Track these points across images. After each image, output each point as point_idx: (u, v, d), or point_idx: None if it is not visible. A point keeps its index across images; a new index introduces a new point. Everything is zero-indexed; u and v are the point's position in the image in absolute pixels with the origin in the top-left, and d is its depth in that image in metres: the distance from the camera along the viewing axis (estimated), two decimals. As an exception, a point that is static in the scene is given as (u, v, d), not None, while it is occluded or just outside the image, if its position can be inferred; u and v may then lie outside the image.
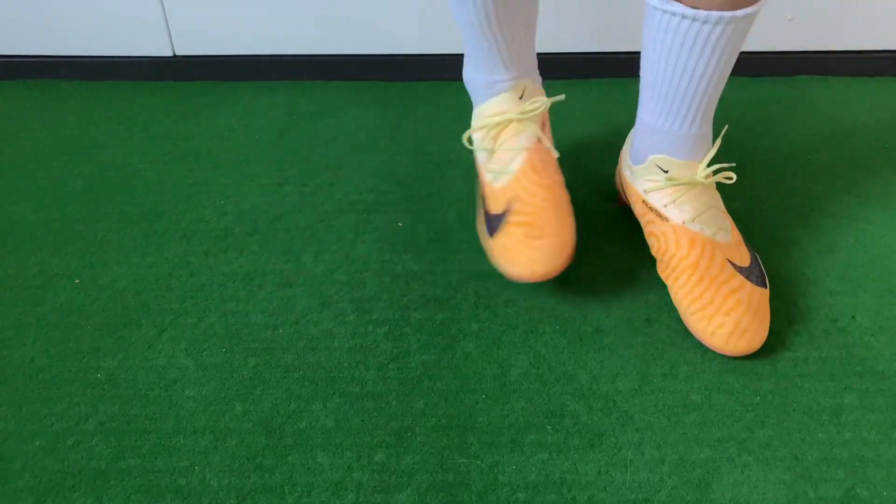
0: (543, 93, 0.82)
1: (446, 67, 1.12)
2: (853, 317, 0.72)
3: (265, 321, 0.72)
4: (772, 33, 1.09)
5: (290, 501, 0.57)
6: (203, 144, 0.98)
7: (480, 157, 0.79)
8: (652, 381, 0.66)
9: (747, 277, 0.70)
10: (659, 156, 0.72)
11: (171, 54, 1.11)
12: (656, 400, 0.64)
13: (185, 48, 1.11)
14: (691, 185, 0.72)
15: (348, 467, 0.59)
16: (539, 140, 0.77)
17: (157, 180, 0.91)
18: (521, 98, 0.78)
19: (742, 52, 1.11)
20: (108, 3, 1.06)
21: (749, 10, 0.61)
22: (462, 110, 1.05)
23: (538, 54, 0.82)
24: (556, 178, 0.76)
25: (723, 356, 0.68)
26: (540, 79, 0.83)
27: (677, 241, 0.71)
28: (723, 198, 0.88)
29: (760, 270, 0.73)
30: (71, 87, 1.11)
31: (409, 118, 1.04)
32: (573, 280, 0.76)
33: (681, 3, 0.61)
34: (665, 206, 0.72)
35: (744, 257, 0.72)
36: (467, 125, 1.03)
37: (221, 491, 0.58)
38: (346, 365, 0.68)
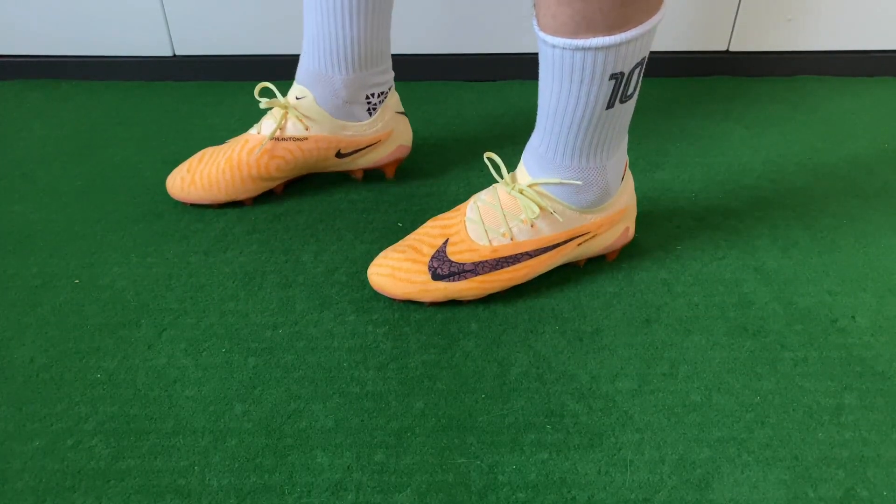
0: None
1: (446, 67, 1.12)
2: (853, 317, 0.72)
3: (265, 321, 0.72)
4: (772, 33, 1.09)
5: (290, 501, 0.57)
6: (203, 144, 0.98)
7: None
8: (652, 381, 0.66)
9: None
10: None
11: (171, 54, 1.11)
12: (656, 400, 0.64)
13: (185, 48, 1.11)
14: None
15: (348, 467, 0.59)
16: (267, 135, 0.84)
17: (157, 180, 0.91)
18: (298, 98, 0.84)
19: (743, 52, 1.11)
20: (108, 3, 1.06)
21: (593, 41, 0.58)
22: (462, 110, 1.05)
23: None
24: (245, 170, 0.85)
25: (723, 355, 0.68)
26: (369, 106, 0.85)
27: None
28: (723, 198, 0.88)
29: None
30: (71, 87, 1.11)
31: (410, 118, 1.04)
32: (573, 280, 0.76)
33: (538, 26, 0.61)
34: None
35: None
36: (467, 125, 1.03)
37: (221, 491, 0.58)
38: (346, 365, 0.68)
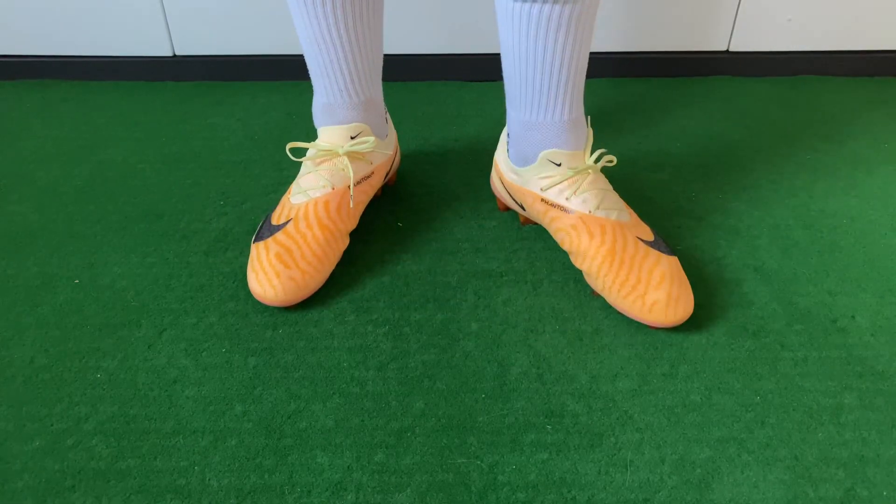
0: (380, 137, 0.82)
1: (446, 67, 1.12)
2: (853, 317, 0.72)
3: (265, 321, 0.72)
4: (772, 33, 1.09)
5: (290, 501, 0.57)
6: (203, 144, 0.98)
7: (301, 169, 0.79)
8: (652, 381, 0.66)
9: (659, 250, 0.72)
10: (549, 150, 0.73)
11: (171, 54, 1.11)
12: (656, 400, 0.64)
13: (185, 48, 1.11)
14: (585, 172, 0.73)
15: (348, 467, 0.59)
16: (348, 187, 0.77)
17: (157, 180, 0.91)
18: (353, 137, 0.77)
19: (742, 52, 1.11)
20: (108, 3, 1.06)
21: None
22: (462, 110, 1.05)
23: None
24: (340, 226, 0.75)
25: (723, 355, 0.68)
26: (385, 119, 0.82)
27: (590, 231, 0.71)
28: (723, 198, 0.88)
29: (663, 240, 0.74)
30: (71, 87, 1.11)
31: (409, 118, 1.04)
32: (573, 280, 0.76)
33: None
34: (567, 198, 0.73)
35: (646, 232, 0.73)
36: (467, 125, 1.03)
37: (221, 491, 0.58)
38: (346, 365, 0.68)
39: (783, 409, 0.63)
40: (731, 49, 1.11)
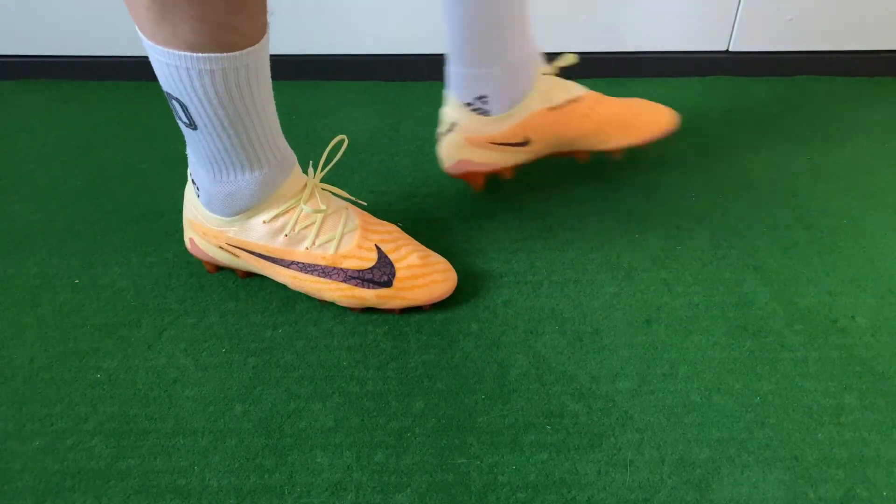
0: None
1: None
2: (853, 317, 0.72)
3: (265, 321, 0.72)
4: (772, 33, 1.09)
5: (290, 501, 0.57)
6: (203, 144, 0.97)
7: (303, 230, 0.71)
8: (652, 381, 0.66)
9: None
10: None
11: (171, 54, 1.11)
12: (656, 400, 0.64)
13: (185, 48, 1.11)
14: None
15: (348, 467, 0.59)
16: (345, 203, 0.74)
17: (157, 180, 0.91)
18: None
19: (743, 52, 1.11)
20: (109, 3, 1.06)
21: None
22: (462, 110, 1.05)
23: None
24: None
25: (723, 355, 0.68)
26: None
27: None
28: (722, 198, 0.88)
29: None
30: (71, 87, 1.11)
31: (409, 118, 1.04)
32: (573, 281, 0.76)
33: None
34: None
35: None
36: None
37: (221, 491, 0.58)
38: (346, 364, 0.68)
39: (783, 409, 0.63)
40: (731, 49, 1.11)
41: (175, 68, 0.57)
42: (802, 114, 1.04)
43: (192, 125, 0.62)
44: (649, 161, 0.94)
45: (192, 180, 0.71)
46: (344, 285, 0.70)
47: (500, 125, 0.80)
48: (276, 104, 1.11)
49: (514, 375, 0.66)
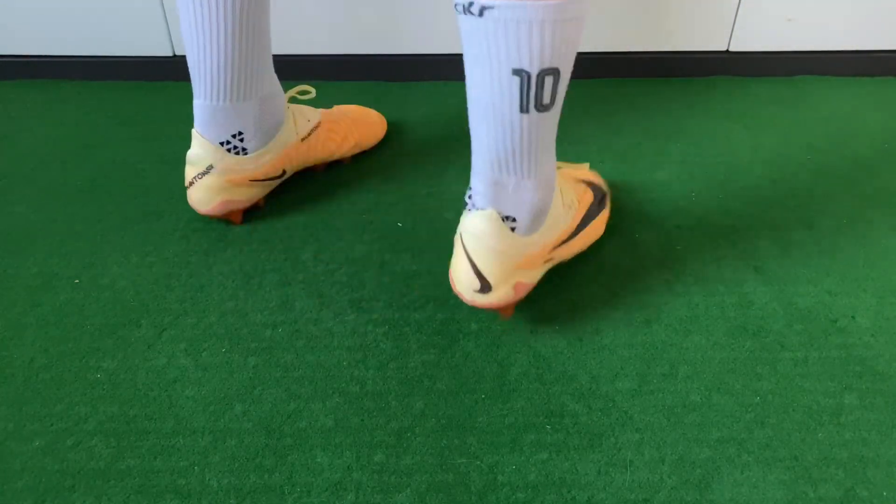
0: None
1: (446, 67, 1.12)
2: (853, 317, 0.72)
3: (265, 321, 0.72)
4: (772, 33, 1.09)
5: (290, 501, 0.57)
6: (203, 144, 0.97)
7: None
8: (651, 381, 0.66)
9: None
10: None
11: (171, 54, 1.11)
12: (656, 400, 0.64)
13: (185, 48, 1.11)
14: None
15: (348, 467, 0.59)
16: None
17: (157, 180, 0.91)
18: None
19: (743, 52, 1.11)
20: (108, 3, 1.06)
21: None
22: (462, 110, 1.05)
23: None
24: None
25: (723, 355, 0.68)
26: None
27: None
28: (723, 198, 0.88)
29: None
30: (71, 87, 1.11)
31: (409, 118, 1.04)
32: (573, 280, 0.76)
33: None
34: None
35: None
36: (467, 125, 1.03)
37: (221, 491, 0.58)
38: (346, 364, 0.68)
39: (783, 409, 0.63)
40: (731, 49, 1.11)
41: (578, 27, 0.48)
42: (802, 114, 1.04)
43: (552, 103, 0.51)
44: (649, 161, 0.94)
45: (506, 216, 0.62)
46: None
47: (259, 161, 0.81)
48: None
49: (514, 375, 0.66)
